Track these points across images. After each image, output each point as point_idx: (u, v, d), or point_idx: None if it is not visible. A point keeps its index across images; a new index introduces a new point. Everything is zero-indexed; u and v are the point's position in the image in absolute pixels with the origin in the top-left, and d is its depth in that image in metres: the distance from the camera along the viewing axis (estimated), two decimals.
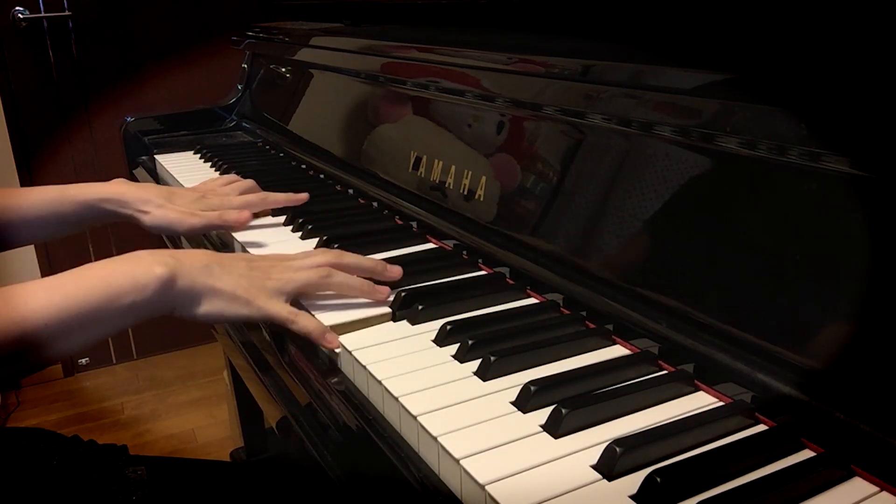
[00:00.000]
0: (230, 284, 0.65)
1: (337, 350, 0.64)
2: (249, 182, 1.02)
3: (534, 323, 0.66)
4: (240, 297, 0.65)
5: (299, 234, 0.92)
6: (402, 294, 0.69)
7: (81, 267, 0.62)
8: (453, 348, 0.62)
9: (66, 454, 0.77)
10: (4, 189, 0.89)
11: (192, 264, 0.65)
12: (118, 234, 2.30)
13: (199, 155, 1.40)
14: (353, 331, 0.66)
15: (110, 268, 0.62)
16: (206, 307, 0.65)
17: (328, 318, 0.67)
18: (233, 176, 1.07)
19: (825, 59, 0.52)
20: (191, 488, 0.83)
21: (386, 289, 0.71)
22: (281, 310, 0.66)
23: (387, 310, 0.69)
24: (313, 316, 0.67)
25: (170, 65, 2.28)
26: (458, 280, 0.76)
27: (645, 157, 0.64)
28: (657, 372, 0.58)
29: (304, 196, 0.99)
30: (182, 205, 0.92)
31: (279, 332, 0.71)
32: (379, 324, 0.67)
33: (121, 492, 0.74)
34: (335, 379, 0.63)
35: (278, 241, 0.91)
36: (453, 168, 0.87)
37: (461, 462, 0.47)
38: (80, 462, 0.76)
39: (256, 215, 0.98)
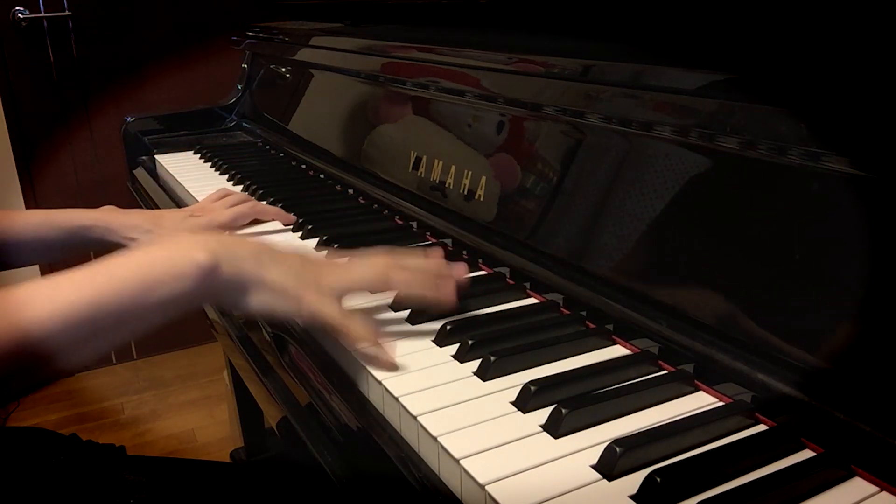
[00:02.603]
0: (280, 277, 0.60)
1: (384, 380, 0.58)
2: (240, 195, 1.00)
3: (534, 323, 0.66)
4: (289, 293, 0.60)
5: (299, 234, 0.93)
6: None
7: (118, 256, 0.57)
8: (453, 348, 0.62)
9: (64, 455, 0.76)
10: None
11: (239, 252, 0.59)
12: None
13: (199, 155, 1.40)
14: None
15: (148, 255, 0.57)
16: (253, 299, 0.59)
17: None
18: (223, 190, 1.04)
19: (825, 59, 0.52)
20: (190, 489, 0.83)
21: (451, 287, 0.65)
22: (332, 312, 0.60)
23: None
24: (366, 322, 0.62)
25: (170, 65, 2.27)
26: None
27: (645, 157, 0.64)
28: (657, 372, 0.58)
29: (292, 217, 0.97)
30: (170, 226, 0.90)
31: (279, 332, 0.71)
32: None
33: (118, 494, 0.74)
34: (335, 378, 0.63)
35: (278, 241, 0.91)
36: (453, 168, 0.87)
37: (461, 462, 0.47)
38: (78, 463, 0.76)
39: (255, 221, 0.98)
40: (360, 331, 0.60)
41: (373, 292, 0.66)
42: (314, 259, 0.65)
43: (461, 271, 0.69)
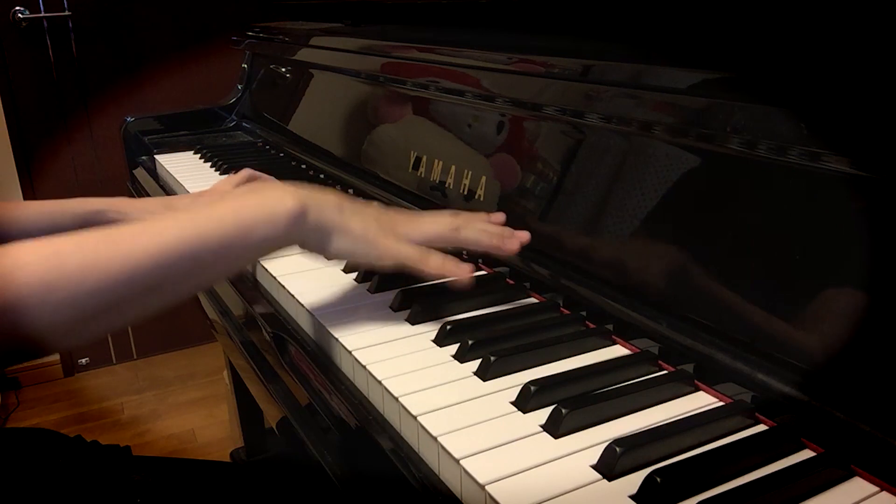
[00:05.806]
0: (360, 225, 0.66)
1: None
2: (244, 173, 1.02)
3: (534, 323, 0.66)
4: (369, 239, 0.66)
5: None
6: (402, 294, 0.69)
7: (213, 200, 0.61)
8: (453, 348, 0.62)
9: (69, 455, 0.77)
10: (4, 202, 0.89)
11: (324, 201, 0.65)
12: None
13: (199, 155, 1.40)
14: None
15: (241, 201, 0.62)
16: (336, 245, 0.65)
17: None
18: (229, 176, 1.06)
19: (825, 58, 0.52)
20: (191, 489, 0.83)
21: (516, 242, 0.71)
22: (410, 251, 0.67)
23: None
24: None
25: (170, 65, 2.28)
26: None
27: (645, 157, 0.64)
28: (657, 372, 0.58)
29: None
30: (182, 206, 0.91)
31: (279, 332, 0.71)
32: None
33: (123, 493, 0.74)
34: (335, 379, 0.63)
35: None
36: (453, 168, 0.87)
37: (461, 462, 0.47)
38: (83, 464, 0.76)
39: None
40: (439, 263, 0.66)
41: (444, 244, 0.71)
42: (388, 213, 0.71)
43: (525, 237, 0.72)
